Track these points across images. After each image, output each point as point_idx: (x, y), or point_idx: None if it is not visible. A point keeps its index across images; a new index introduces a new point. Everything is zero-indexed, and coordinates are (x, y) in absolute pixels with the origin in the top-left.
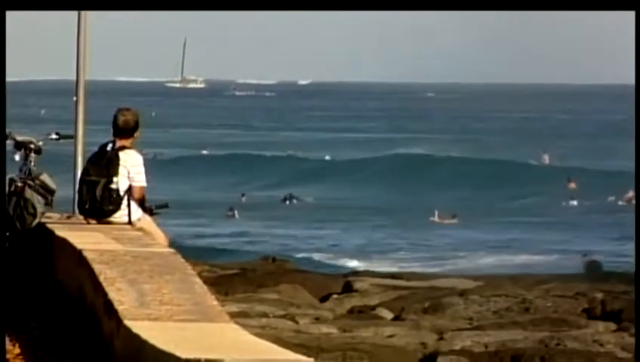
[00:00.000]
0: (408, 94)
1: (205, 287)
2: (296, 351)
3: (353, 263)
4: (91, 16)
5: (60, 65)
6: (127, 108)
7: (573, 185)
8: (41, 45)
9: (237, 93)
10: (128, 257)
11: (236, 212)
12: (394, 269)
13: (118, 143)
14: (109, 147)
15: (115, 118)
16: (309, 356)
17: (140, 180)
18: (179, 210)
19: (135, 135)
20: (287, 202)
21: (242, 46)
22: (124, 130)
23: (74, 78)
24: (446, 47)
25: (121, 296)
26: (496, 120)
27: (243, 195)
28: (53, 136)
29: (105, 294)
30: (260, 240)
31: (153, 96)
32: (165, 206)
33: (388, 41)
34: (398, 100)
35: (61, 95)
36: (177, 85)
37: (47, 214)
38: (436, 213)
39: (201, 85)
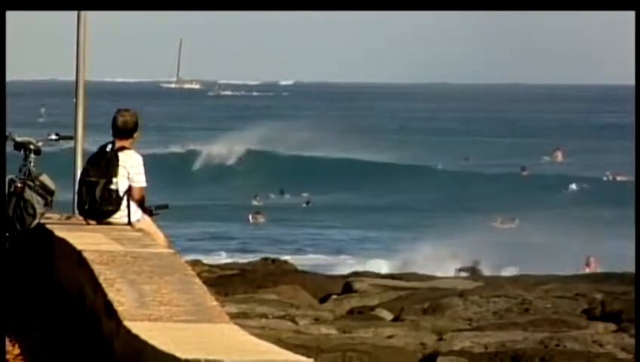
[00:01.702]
0: (400, 95)
1: (205, 288)
2: (296, 352)
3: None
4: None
5: (55, 66)
6: (126, 109)
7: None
8: (37, 45)
9: (222, 93)
10: (128, 258)
11: (259, 216)
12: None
13: (118, 144)
14: (109, 148)
15: (115, 118)
16: (309, 357)
17: (139, 181)
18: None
19: (134, 135)
20: (304, 205)
21: (226, 46)
22: (124, 131)
23: (66, 78)
24: (441, 47)
25: (120, 297)
26: (493, 120)
27: (256, 196)
28: (53, 137)
29: (104, 295)
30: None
31: (148, 97)
32: (165, 207)
33: (378, 42)
34: (391, 101)
35: (57, 96)
36: (173, 86)
37: (47, 215)
38: (499, 218)
39: (197, 86)
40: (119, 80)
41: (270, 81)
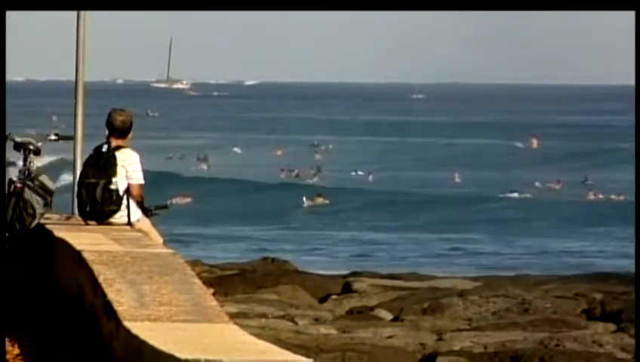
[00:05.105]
0: (387, 95)
1: (205, 288)
2: (296, 352)
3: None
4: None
5: (51, 66)
6: (121, 109)
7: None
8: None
9: (192, 93)
10: (127, 258)
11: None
12: None
13: (114, 143)
14: (105, 148)
15: (112, 118)
16: (309, 357)
17: (138, 178)
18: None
19: (129, 135)
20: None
21: (221, 46)
22: (122, 130)
23: (62, 78)
24: (430, 47)
25: (120, 297)
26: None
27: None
28: (52, 137)
29: (104, 295)
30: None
31: (138, 97)
32: (165, 207)
33: (366, 41)
34: (378, 102)
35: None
36: (163, 85)
37: (47, 215)
38: None
39: (187, 86)
40: (114, 80)
41: (236, 80)
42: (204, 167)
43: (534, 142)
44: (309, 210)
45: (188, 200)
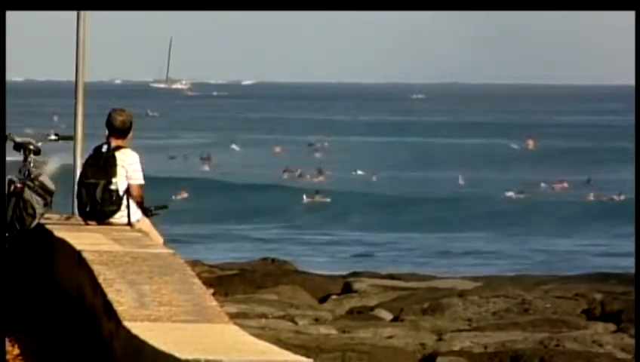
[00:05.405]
0: (387, 95)
1: (205, 288)
2: (296, 352)
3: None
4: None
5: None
6: (121, 109)
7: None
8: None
9: (190, 93)
10: (127, 258)
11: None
12: None
13: (114, 143)
14: (104, 148)
15: (112, 118)
16: (309, 357)
17: (137, 178)
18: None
19: (129, 135)
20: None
21: (218, 46)
22: (122, 130)
23: (62, 78)
24: (430, 47)
25: (120, 297)
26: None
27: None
28: (52, 137)
29: (104, 295)
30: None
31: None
32: (165, 207)
33: (362, 41)
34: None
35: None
36: (162, 85)
37: (47, 215)
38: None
39: (186, 86)
40: (112, 80)
41: (236, 80)
42: (207, 167)
43: (530, 143)
44: (309, 207)
45: (184, 195)
